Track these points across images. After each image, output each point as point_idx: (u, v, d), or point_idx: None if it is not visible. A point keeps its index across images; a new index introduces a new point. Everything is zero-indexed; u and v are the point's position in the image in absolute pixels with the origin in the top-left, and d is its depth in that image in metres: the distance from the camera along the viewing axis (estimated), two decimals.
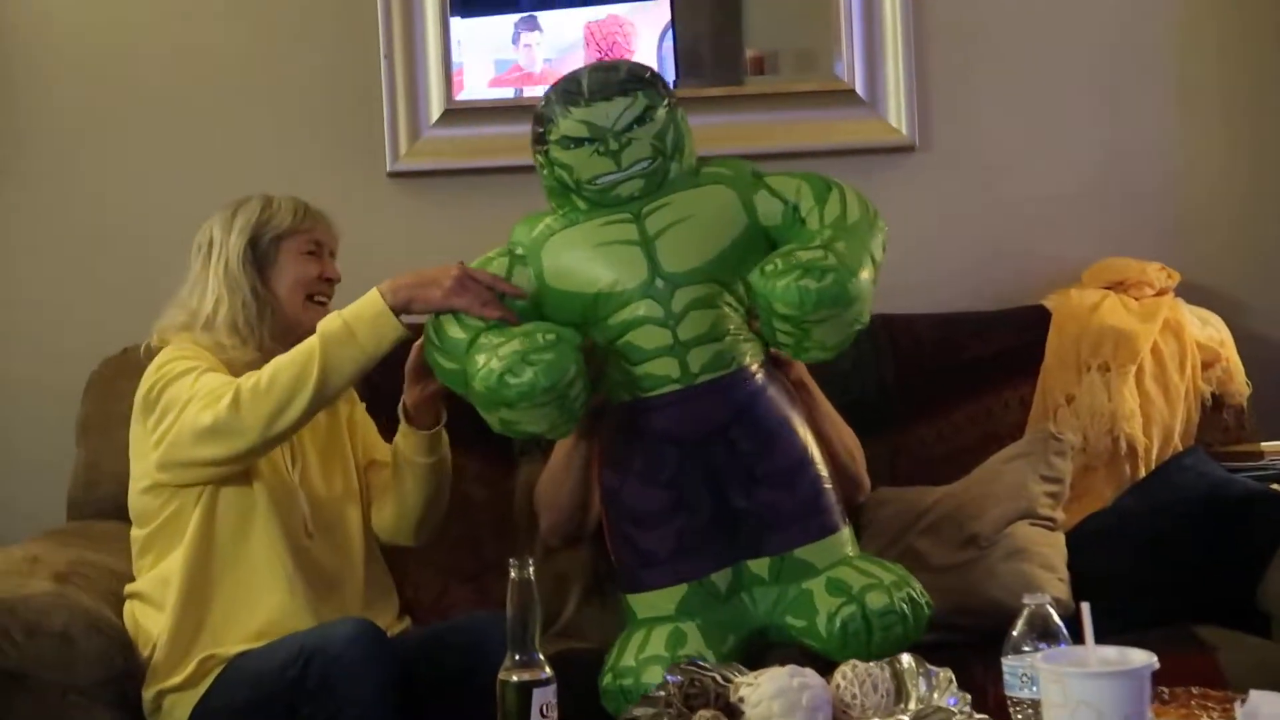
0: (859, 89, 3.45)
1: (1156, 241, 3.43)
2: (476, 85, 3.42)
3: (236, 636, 2.52)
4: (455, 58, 3.39)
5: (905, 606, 2.38)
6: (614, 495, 2.50)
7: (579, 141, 2.45)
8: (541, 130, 2.49)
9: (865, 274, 2.38)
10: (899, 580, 2.41)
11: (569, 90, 2.47)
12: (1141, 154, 3.50)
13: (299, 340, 2.62)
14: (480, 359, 2.36)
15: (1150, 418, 3.17)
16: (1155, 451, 3.15)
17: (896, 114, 3.45)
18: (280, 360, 2.46)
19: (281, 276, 2.65)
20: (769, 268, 2.36)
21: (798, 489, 2.44)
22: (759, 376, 2.46)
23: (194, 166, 3.34)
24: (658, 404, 2.43)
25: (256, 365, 2.53)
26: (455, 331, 2.43)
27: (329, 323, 2.46)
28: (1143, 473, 3.12)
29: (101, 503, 2.97)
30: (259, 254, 2.64)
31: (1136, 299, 3.27)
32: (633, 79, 2.47)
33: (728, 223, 2.49)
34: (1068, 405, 3.16)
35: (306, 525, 2.59)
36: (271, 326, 2.63)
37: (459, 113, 3.36)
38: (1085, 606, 1.75)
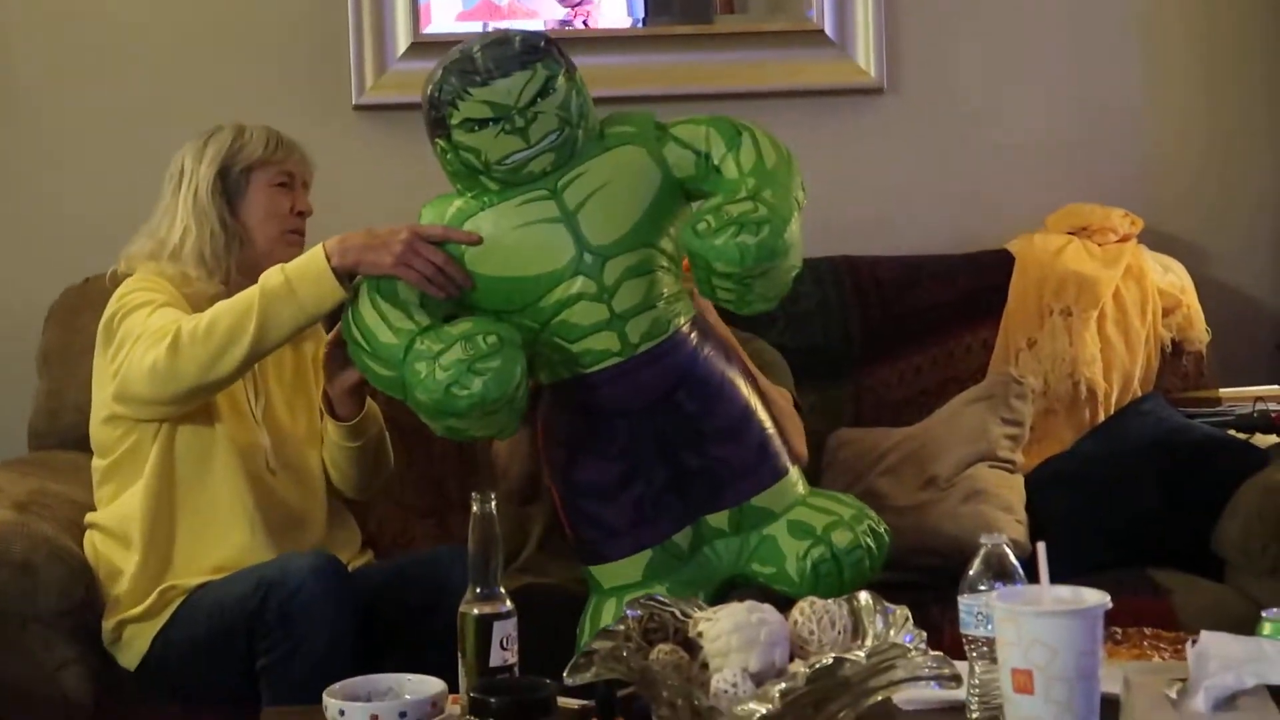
0: (828, 30, 3.43)
1: (1120, 188, 3.43)
2: (444, 18, 3.39)
3: (198, 569, 2.51)
4: None
5: (868, 540, 2.40)
6: (564, 472, 2.48)
7: (483, 123, 2.36)
8: (440, 115, 2.39)
9: (795, 219, 2.36)
10: (857, 514, 2.44)
11: (465, 70, 2.36)
12: (1107, 101, 3.50)
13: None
14: (420, 368, 2.30)
15: (1110, 363, 3.18)
16: (1115, 396, 3.17)
17: (865, 56, 3.43)
18: (221, 307, 2.42)
19: (252, 208, 2.62)
20: (700, 226, 2.32)
21: (746, 439, 2.43)
22: (693, 336, 2.44)
23: (159, 98, 3.31)
24: (601, 379, 2.40)
25: (221, 298, 2.51)
26: (388, 337, 2.36)
27: (271, 276, 2.41)
28: (1102, 417, 3.14)
29: (63, 433, 2.96)
30: (229, 184, 2.61)
31: (1100, 245, 3.28)
32: (529, 50, 2.37)
33: (644, 183, 2.43)
34: (1029, 349, 3.18)
35: (268, 461, 2.58)
36: (240, 259, 2.60)
37: (426, 46, 3.31)
38: (1041, 546, 1.76)
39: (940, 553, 2.75)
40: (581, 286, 2.38)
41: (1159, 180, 3.51)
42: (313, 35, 3.36)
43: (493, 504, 1.91)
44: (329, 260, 2.39)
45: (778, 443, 2.47)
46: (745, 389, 2.47)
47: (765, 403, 2.50)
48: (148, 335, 2.43)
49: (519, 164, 2.39)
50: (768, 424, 2.47)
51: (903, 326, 3.23)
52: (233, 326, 2.39)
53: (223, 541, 2.52)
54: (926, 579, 2.68)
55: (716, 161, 2.43)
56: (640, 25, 3.45)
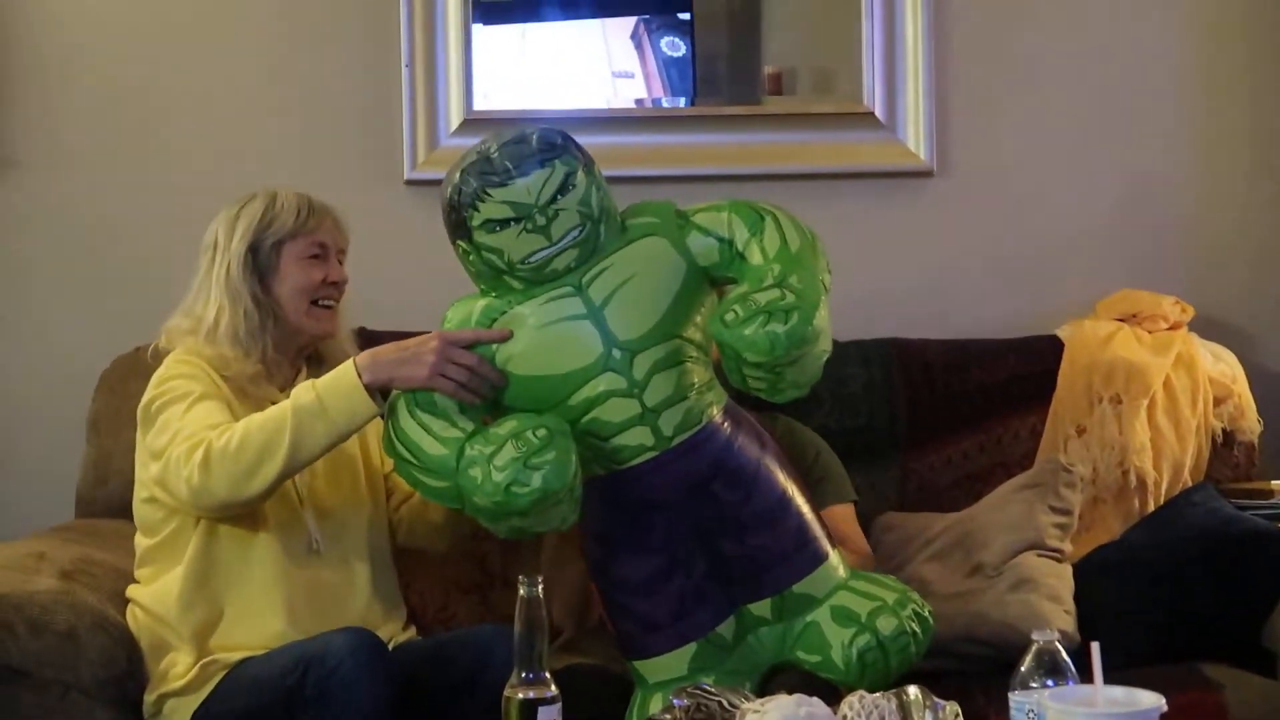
0: (878, 111, 3.43)
1: (1171, 275, 3.42)
2: (497, 98, 3.40)
3: (238, 647, 2.50)
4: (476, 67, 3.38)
5: (913, 624, 2.39)
6: (603, 567, 2.47)
7: (504, 223, 2.35)
8: (460, 217, 2.39)
9: (824, 304, 2.34)
10: (901, 597, 2.42)
11: (483, 171, 2.36)
12: (1160, 187, 3.49)
13: (302, 348, 2.64)
14: (476, 474, 2.29)
15: (1161, 452, 3.15)
16: (1165, 486, 3.14)
17: (915, 138, 3.43)
18: (253, 424, 2.40)
19: (283, 283, 2.60)
20: (729, 317, 2.30)
21: (784, 525, 2.42)
22: (726, 425, 2.42)
23: (211, 168, 3.32)
24: (636, 473, 2.39)
25: (259, 379, 2.53)
26: (436, 449, 2.36)
27: (302, 394, 2.40)
28: (1152, 507, 3.11)
29: (110, 500, 2.96)
30: (260, 260, 2.59)
31: (1150, 332, 3.26)
32: (546, 147, 2.37)
33: (669, 274, 2.42)
34: (1078, 436, 3.15)
35: (313, 541, 2.57)
36: (274, 335, 2.59)
37: (478, 123, 3.33)
38: (1095, 646, 1.75)
39: (986, 642, 2.73)
40: (609, 383, 2.37)
41: (1210, 268, 3.48)
42: (366, 110, 3.38)
43: (539, 587, 1.91)
44: (360, 376, 2.38)
45: (816, 527, 2.46)
46: (780, 475, 2.45)
47: (800, 488, 2.48)
48: (183, 440, 2.42)
49: (542, 262, 2.38)
50: (805, 509, 2.45)
51: (950, 410, 3.21)
52: (265, 445, 2.38)
53: (260, 628, 2.50)
54: (972, 667, 2.67)
55: (740, 248, 2.42)
56: (688, 105, 3.46)
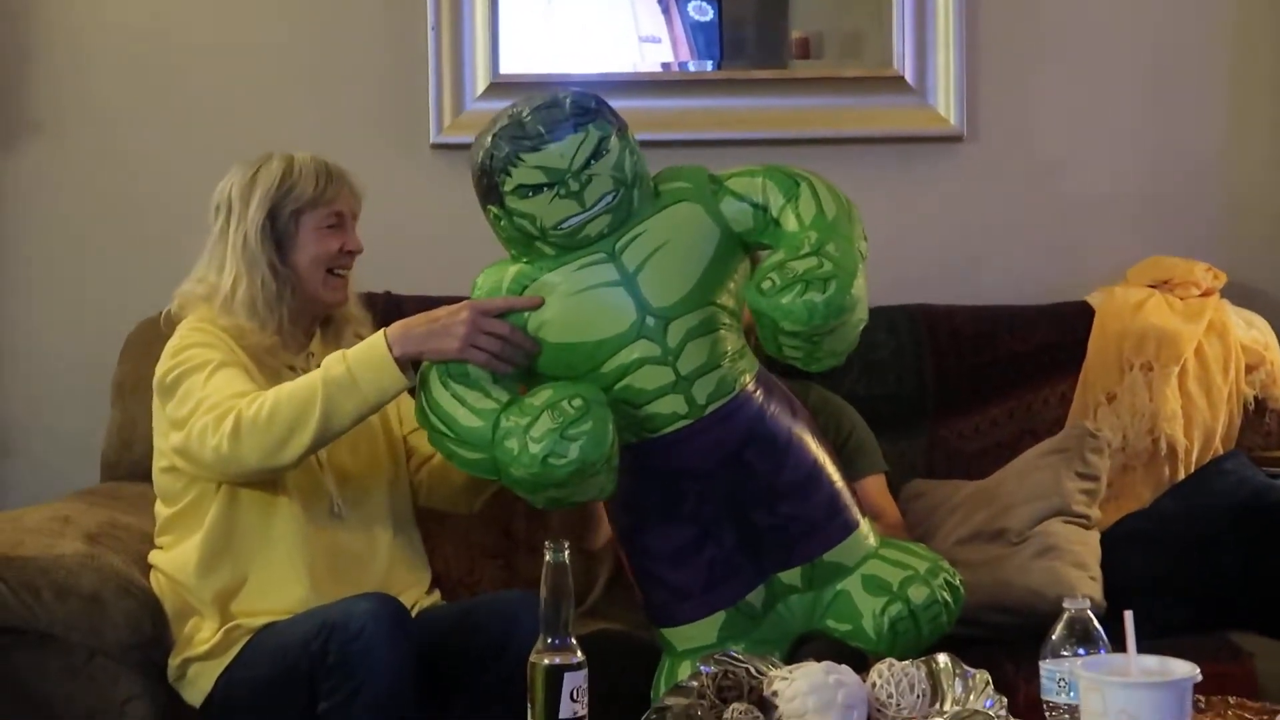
0: (907, 75, 3.41)
1: (1203, 241, 3.40)
2: (522, 60, 3.39)
3: (261, 612, 2.50)
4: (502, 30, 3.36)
5: (944, 593, 2.39)
6: (633, 536, 2.46)
7: (537, 188, 2.32)
8: (492, 182, 2.35)
9: (861, 272, 2.32)
10: (932, 566, 2.41)
11: (515, 136, 2.33)
12: (1191, 153, 3.47)
13: (317, 316, 2.63)
14: (512, 445, 2.27)
15: (1191, 419, 3.14)
16: (1195, 454, 3.12)
17: (945, 103, 3.40)
18: (283, 394, 2.39)
19: (302, 252, 2.57)
20: (765, 285, 2.28)
21: (816, 495, 2.41)
22: (759, 393, 2.41)
23: (237, 131, 3.31)
24: (668, 441, 2.37)
25: (275, 350, 2.53)
26: (471, 420, 2.34)
27: (333, 366, 2.39)
28: (1182, 475, 3.10)
29: (135, 464, 2.95)
30: (278, 229, 2.56)
31: (1182, 299, 3.24)
32: (580, 112, 2.34)
33: (702, 240, 2.39)
34: (1108, 404, 3.13)
35: (334, 505, 2.56)
36: (291, 305, 2.57)
37: (504, 86, 3.32)
38: (1128, 615, 1.74)
39: (1011, 609, 2.73)
40: (644, 350, 2.35)
41: (1243, 233, 3.46)
42: (392, 74, 3.37)
43: (566, 553, 1.91)
44: (391, 350, 2.37)
45: (847, 496, 2.45)
46: (812, 443, 2.44)
47: (831, 457, 2.47)
48: (208, 410, 2.41)
49: (575, 228, 2.35)
50: (836, 478, 2.44)
51: (979, 378, 3.20)
52: (296, 416, 2.37)
53: (283, 593, 2.50)
54: (996, 635, 2.67)
55: (775, 214, 2.40)
56: (715, 69, 3.45)
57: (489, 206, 2.39)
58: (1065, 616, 1.89)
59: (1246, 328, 3.24)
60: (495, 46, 3.36)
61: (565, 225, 2.35)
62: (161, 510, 2.59)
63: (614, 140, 2.35)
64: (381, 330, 2.41)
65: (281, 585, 2.50)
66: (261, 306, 2.54)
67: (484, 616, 2.48)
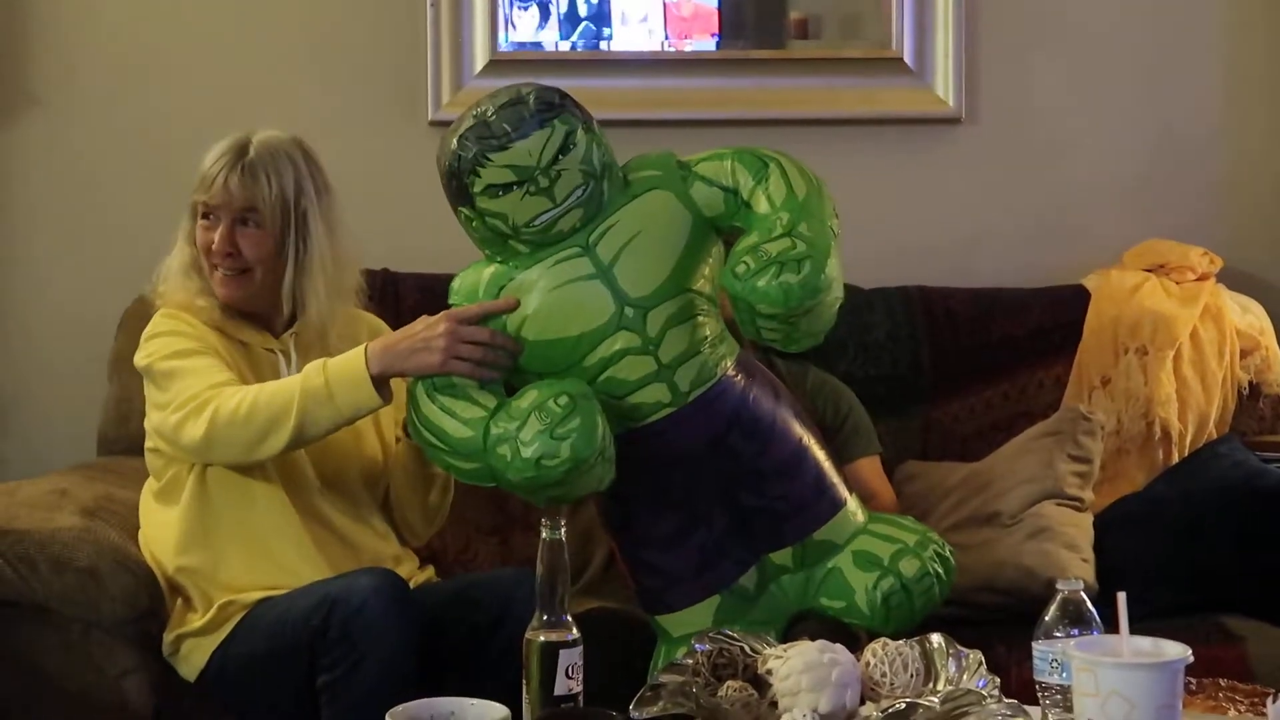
0: (906, 57, 3.40)
1: (1200, 225, 3.40)
2: (523, 34, 3.38)
3: (254, 586, 2.49)
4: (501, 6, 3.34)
5: (936, 565, 2.40)
6: (624, 525, 2.46)
7: (507, 187, 2.31)
8: (461, 184, 2.35)
9: (835, 251, 2.32)
10: (921, 539, 2.43)
11: (481, 136, 2.31)
12: (1190, 136, 3.46)
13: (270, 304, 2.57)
14: (504, 452, 2.28)
15: (1186, 403, 3.14)
16: (1189, 438, 3.13)
17: (944, 85, 3.40)
18: (263, 394, 2.38)
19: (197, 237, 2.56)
20: (740, 269, 2.29)
21: (802, 474, 2.42)
22: (740, 377, 2.41)
23: (232, 107, 3.28)
24: (653, 430, 2.37)
25: (240, 328, 2.53)
26: (462, 432, 2.34)
27: (312, 376, 2.38)
28: (1176, 459, 3.10)
29: (132, 438, 2.89)
30: (192, 213, 2.56)
31: (1177, 283, 3.24)
32: (545, 107, 2.33)
33: (676, 227, 2.39)
34: (1103, 387, 3.14)
35: (314, 482, 2.55)
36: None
37: (503, 63, 3.31)
38: (1121, 597, 1.75)
39: (1004, 590, 2.75)
40: (625, 342, 2.35)
41: (1239, 218, 3.46)
42: (391, 51, 3.35)
43: (562, 530, 1.91)
44: (369, 367, 2.36)
45: (833, 474, 2.46)
46: (796, 424, 2.44)
47: (814, 434, 2.47)
48: (187, 400, 2.41)
49: (548, 224, 2.35)
50: (821, 457, 2.45)
51: (974, 359, 3.20)
52: (271, 419, 2.37)
53: (274, 564, 2.49)
54: (988, 616, 2.68)
55: (746, 196, 2.39)
56: (714, 49, 3.43)
57: (460, 209, 2.39)
58: (1058, 597, 1.89)
59: (1242, 313, 3.25)
60: (495, 23, 3.34)
61: (538, 222, 2.35)
62: (150, 486, 2.60)
63: (580, 133, 2.34)
64: (363, 346, 2.40)
65: (274, 552, 2.49)
66: (179, 273, 2.54)
67: (480, 593, 2.48)
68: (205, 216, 2.53)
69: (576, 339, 2.36)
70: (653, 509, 2.41)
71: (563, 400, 2.27)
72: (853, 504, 2.46)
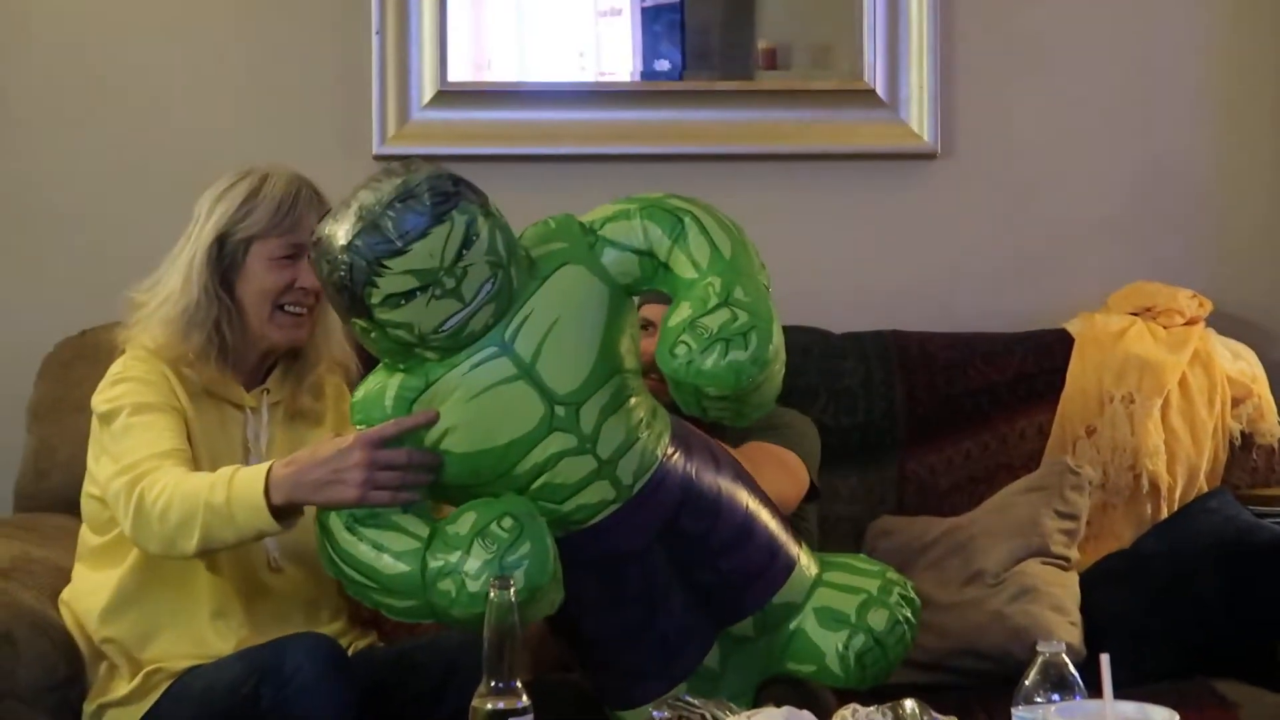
0: (879, 89, 3.36)
1: (1189, 267, 3.37)
2: (467, 69, 3.33)
3: (181, 656, 2.41)
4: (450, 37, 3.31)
5: (903, 610, 2.34)
6: (579, 627, 2.34)
7: (409, 294, 2.13)
8: (355, 296, 2.15)
9: (774, 313, 2.21)
10: (884, 584, 2.36)
11: (374, 242, 2.12)
12: (1177, 173, 3.44)
13: (264, 356, 2.52)
14: (447, 587, 2.14)
15: (1175, 455, 3.11)
16: (1179, 491, 3.10)
17: (918, 118, 3.35)
18: (178, 492, 2.27)
19: (248, 283, 2.45)
20: (680, 350, 2.16)
21: (755, 539, 2.33)
22: (677, 455, 2.30)
23: (169, 141, 3.24)
24: (601, 529, 2.25)
25: (217, 383, 2.45)
26: (394, 568, 2.18)
27: (217, 490, 2.25)
28: (1165, 513, 3.07)
29: (52, 494, 2.88)
30: (225, 255, 2.44)
31: (1165, 327, 3.21)
32: (440, 198, 2.14)
33: (593, 305, 2.25)
34: (1088, 437, 3.11)
35: (270, 560, 2.47)
36: (231, 337, 2.45)
37: (451, 95, 3.28)
38: (1105, 659, 1.73)
39: (986, 655, 2.72)
40: (561, 443, 2.21)
41: (1230, 259, 3.42)
42: (334, 79, 3.30)
43: (511, 591, 1.84)
44: (269, 496, 2.23)
45: (783, 532, 2.38)
46: (742, 490, 2.36)
47: (758, 494, 2.39)
48: (126, 470, 2.32)
49: (458, 327, 2.18)
50: (768, 516, 2.37)
51: (952, 408, 3.15)
52: (181, 523, 2.26)
53: (201, 636, 2.41)
54: (971, 682, 2.66)
55: (663, 258, 2.27)
56: (677, 78, 3.40)
57: (355, 320, 2.21)
58: (1039, 660, 1.84)
59: (1233, 359, 3.23)
60: (444, 53, 3.29)
61: (447, 326, 2.17)
62: (88, 538, 2.50)
63: (481, 221, 2.17)
64: (268, 466, 2.27)
65: (202, 636, 2.41)
66: (184, 324, 2.43)
67: (423, 656, 2.41)
68: (286, 258, 2.44)
69: (505, 447, 2.21)
70: (609, 608, 2.31)
71: (507, 523, 2.14)
72: (804, 558, 2.38)
